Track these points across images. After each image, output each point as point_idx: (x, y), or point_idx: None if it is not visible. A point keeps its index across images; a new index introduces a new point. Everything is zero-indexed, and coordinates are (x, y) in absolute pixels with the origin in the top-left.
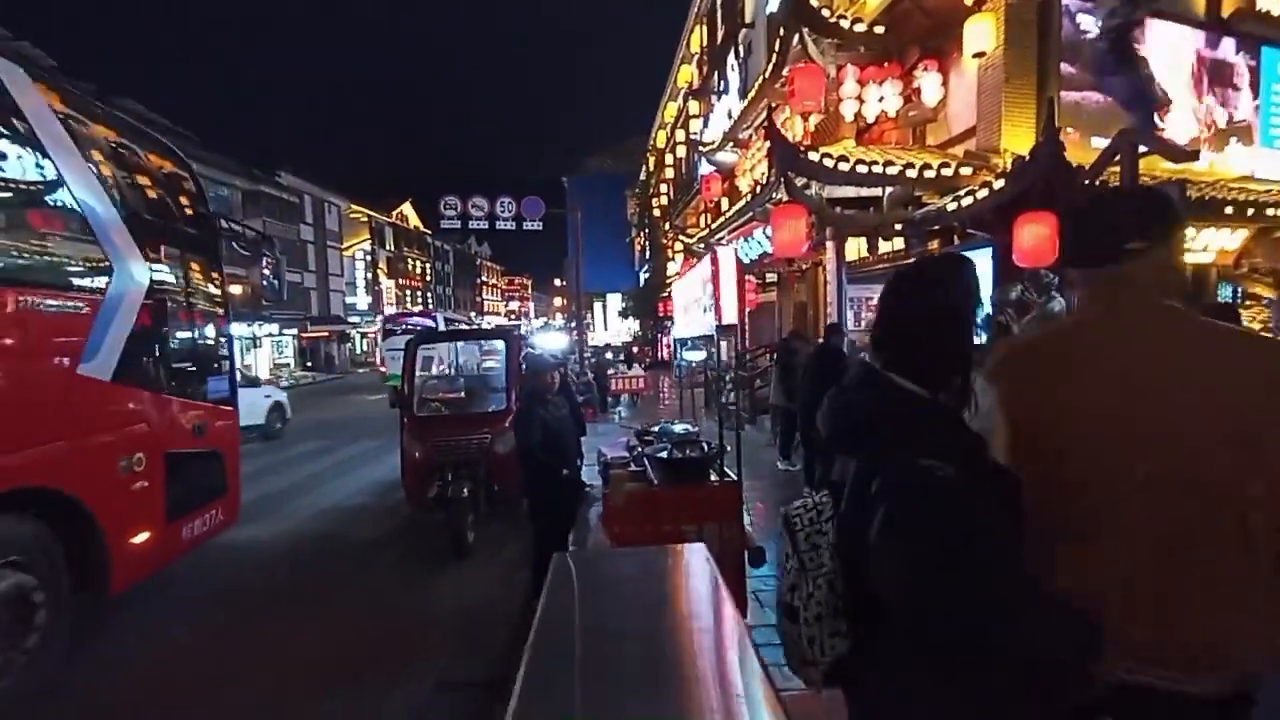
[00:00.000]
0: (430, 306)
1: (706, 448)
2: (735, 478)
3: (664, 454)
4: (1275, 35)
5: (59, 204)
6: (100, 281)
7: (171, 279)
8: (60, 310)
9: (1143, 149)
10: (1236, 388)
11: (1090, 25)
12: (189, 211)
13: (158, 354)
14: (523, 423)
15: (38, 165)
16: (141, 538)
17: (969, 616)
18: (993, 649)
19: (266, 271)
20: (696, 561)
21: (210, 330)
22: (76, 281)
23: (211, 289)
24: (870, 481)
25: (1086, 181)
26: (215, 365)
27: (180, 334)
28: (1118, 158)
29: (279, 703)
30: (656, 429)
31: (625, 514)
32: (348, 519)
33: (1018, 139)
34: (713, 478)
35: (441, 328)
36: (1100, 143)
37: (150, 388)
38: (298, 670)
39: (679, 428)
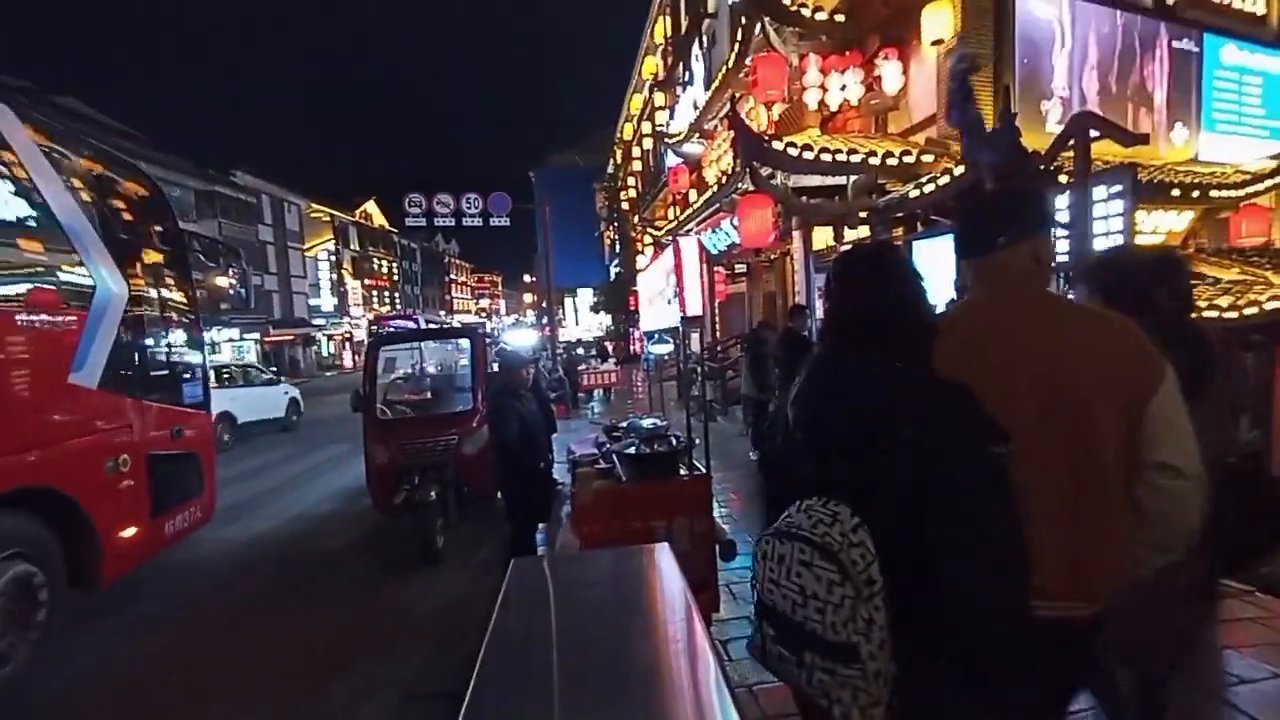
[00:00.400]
0: (398, 306)
1: (675, 441)
2: (705, 471)
3: (632, 450)
4: (1217, 22)
5: (46, 229)
6: (84, 298)
7: (147, 293)
8: (51, 325)
9: (1094, 133)
10: (1101, 355)
11: (1041, 10)
12: (160, 229)
13: (137, 363)
14: (498, 417)
15: (27, 196)
16: (129, 533)
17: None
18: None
19: (234, 280)
20: (660, 562)
21: (184, 339)
22: (64, 299)
23: (183, 301)
24: (921, 473)
25: (1041, 166)
26: (190, 373)
27: (157, 344)
28: (1071, 142)
29: (243, 713)
30: (625, 424)
31: (593, 512)
32: (314, 527)
33: None
34: (682, 472)
35: (422, 327)
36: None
37: (132, 394)
38: (263, 681)
39: (647, 422)
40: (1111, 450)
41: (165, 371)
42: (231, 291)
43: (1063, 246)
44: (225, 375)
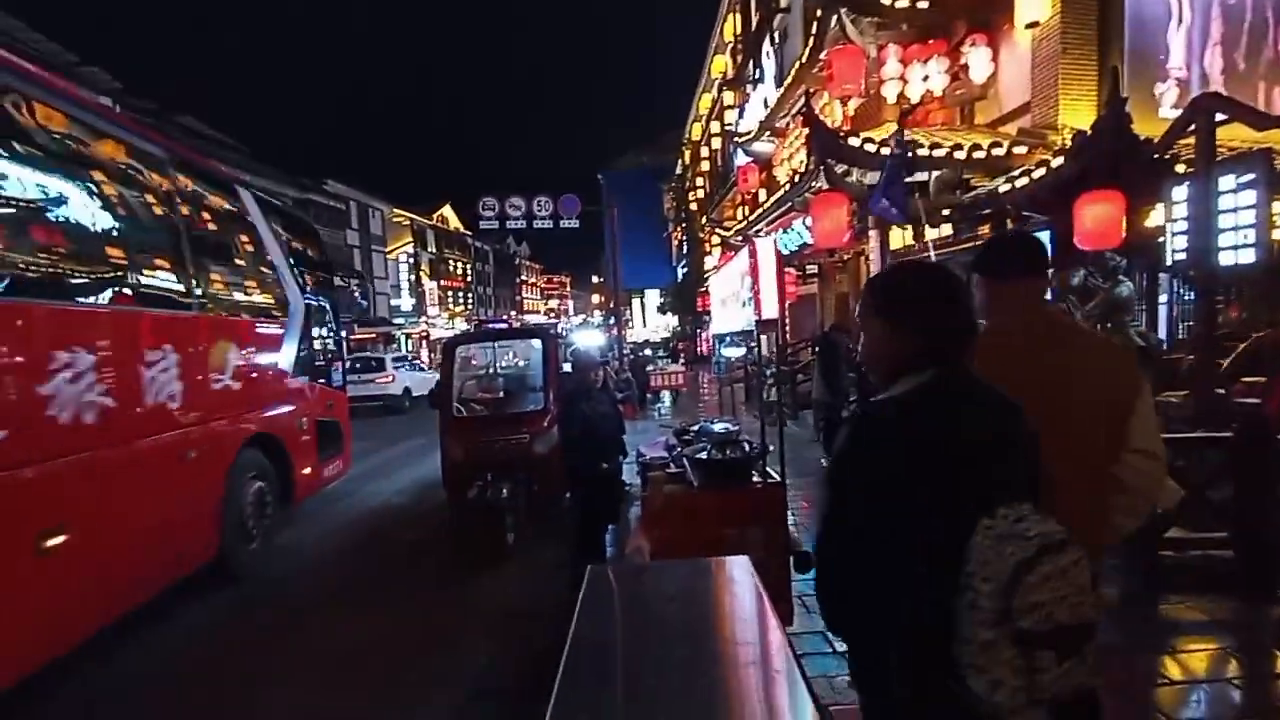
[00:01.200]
0: (471, 307)
1: (748, 447)
2: (779, 479)
3: (703, 455)
4: None
5: (267, 266)
6: (285, 312)
7: (312, 304)
8: (272, 331)
9: (1220, 117)
10: (1102, 373)
11: None
12: (317, 259)
13: (308, 355)
14: (565, 418)
15: (257, 247)
16: (307, 470)
17: None
18: None
19: (356, 293)
20: (739, 575)
21: (331, 338)
22: (277, 313)
23: (330, 309)
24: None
25: (1156, 156)
26: (334, 363)
27: (317, 341)
28: (1192, 127)
29: (313, 703)
30: (696, 428)
31: (664, 517)
32: (390, 520)
33: (1077, 114)
34: (755, 479)
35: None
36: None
37: (306, 377)
38: (334, 671)
39: (719, 426)
40: (1105, 441)
41: (322, 362)
42: (355, 301)
43: (1181, 244)
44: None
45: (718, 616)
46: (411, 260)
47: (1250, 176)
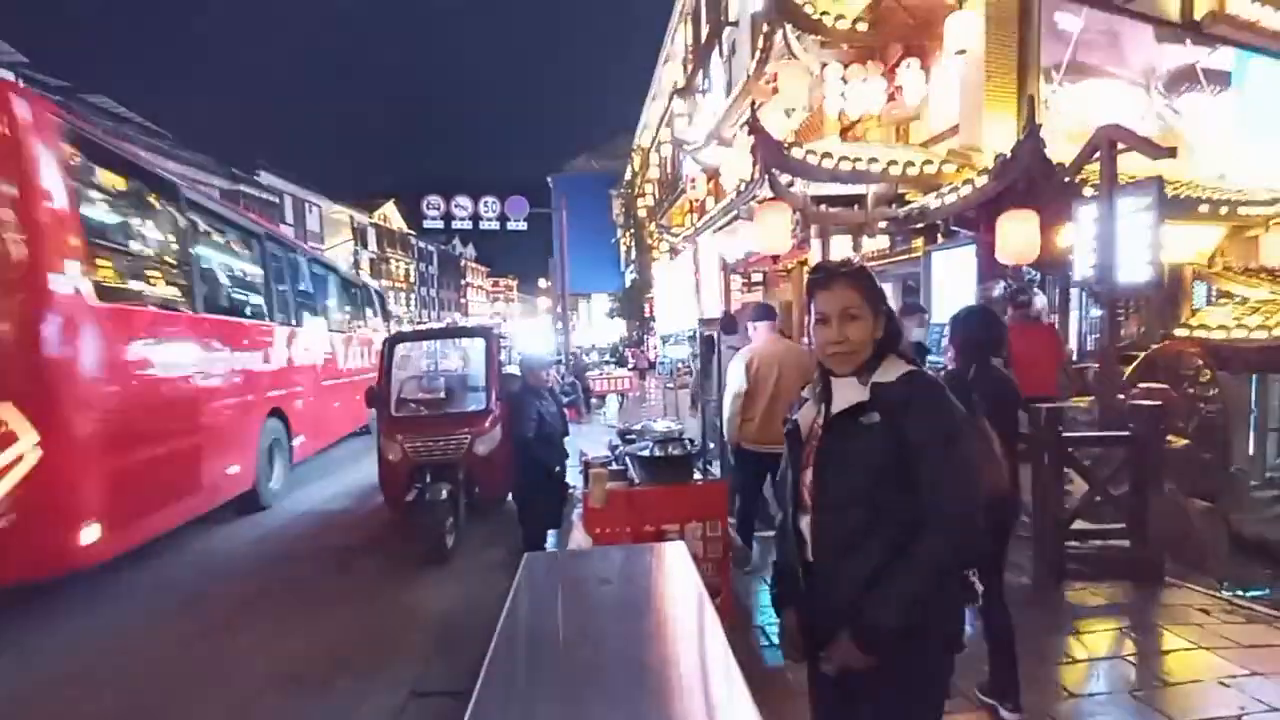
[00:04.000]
0: (414, 308)
1: (689, 446)
2: (719, 476)
3: (645, 452)
4: (1245, 39)
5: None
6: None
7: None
8: (369, 347)
9: (1121, 146)
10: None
11: (1068, 24)
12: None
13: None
14: (519, 415)
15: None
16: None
17: None
18: None
19: (379, 307)
20: (674, 560)
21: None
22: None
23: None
24: None
25: (1067, 179)
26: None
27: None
28: (1097, 155)
29: (247, 709)
30: (639, 427)
31: (605, 514)
32: (324, 523)
33: (999, 136)
34: (696, 476)
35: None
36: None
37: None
38: (267, 677)
39: (661, 425)
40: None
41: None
42: (378, 316)
43: (1088, 260)
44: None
45: (651, 596)
46: (352, 259)
47: (1146, 201)
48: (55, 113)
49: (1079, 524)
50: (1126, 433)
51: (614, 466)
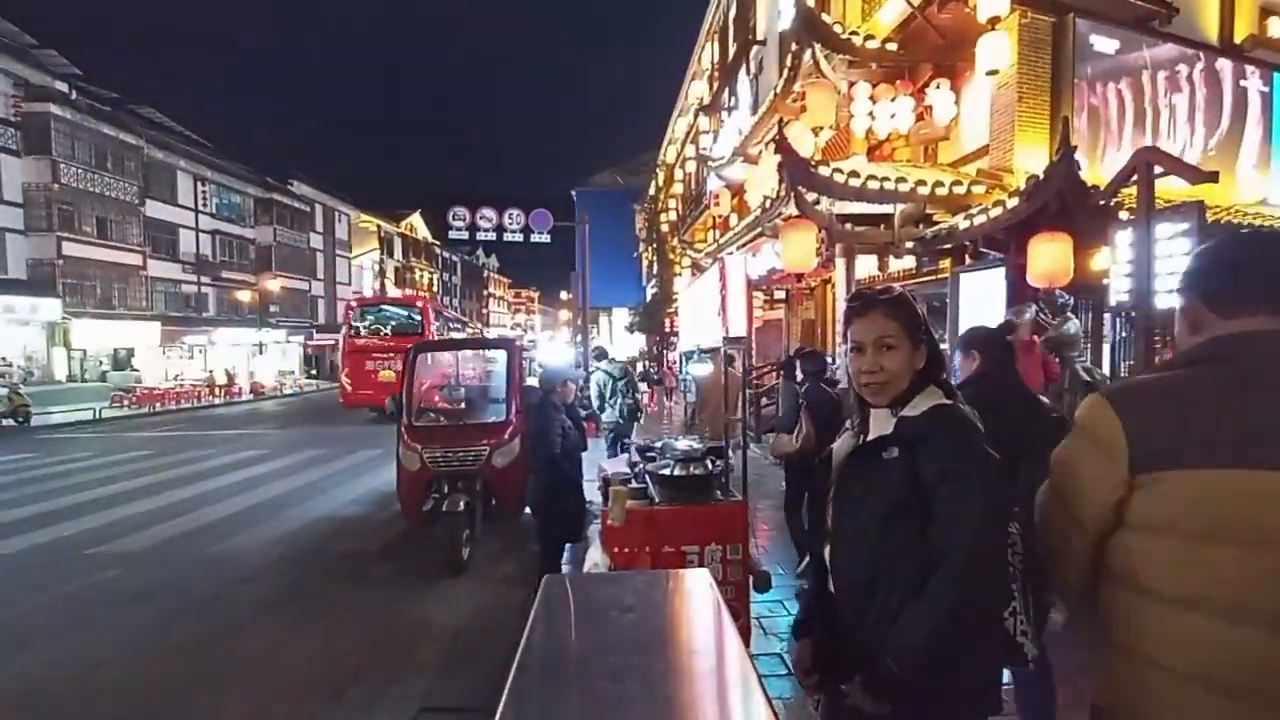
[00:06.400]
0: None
1: (711, 465)
2: (740, 498)
3: (665, 471)
4: None
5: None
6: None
7: None
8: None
9: (1159, 170)
10: None
11: (1102, 45)
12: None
13: None
14: (541, 426)
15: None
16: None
17: None
18: None
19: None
20: (699, 587)
21: None
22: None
23: None
24: None
25: (1102, 202)
26: None
27: None
28: (1134, 178)
29: (252, 714)
30: (659, 445)
31: (624, 533)
32: (341, 530)
33: (1031, 158)
34: (717, 497)
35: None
36: (1115, 157)
37: None
38: (278, 685)
39: (683, 444)
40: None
41: None
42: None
43: (1124, 285)
44: None
45: (675, 627)
46: (377, 267)
47: (1185, 226)
48: (433, 304)
49: None
50: None
51: (634, 484)
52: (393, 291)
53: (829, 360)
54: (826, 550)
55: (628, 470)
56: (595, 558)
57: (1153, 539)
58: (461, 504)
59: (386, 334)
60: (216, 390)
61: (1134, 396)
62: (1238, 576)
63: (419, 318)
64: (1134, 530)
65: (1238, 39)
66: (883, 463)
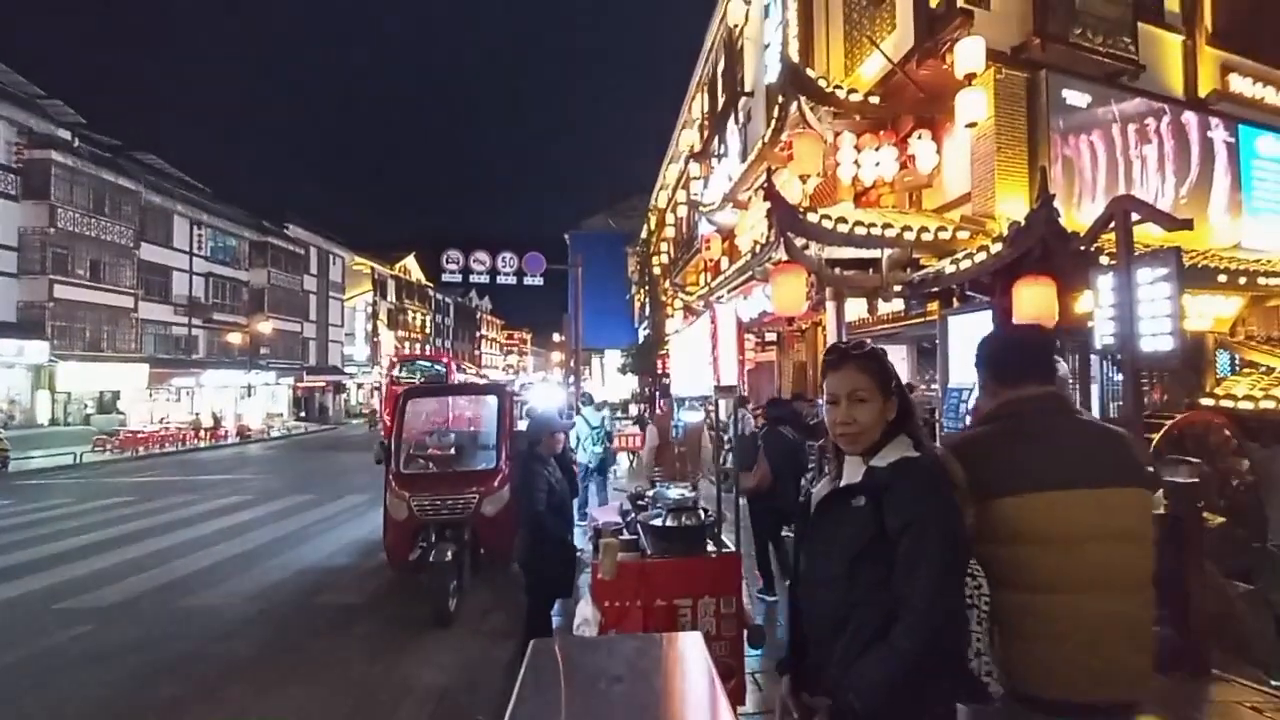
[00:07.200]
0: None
1: (704, 514)
2: (734, 549)
3: (658, 521)
4: (1249, 115)
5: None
6: None
7: None
8: None
9: (1136, 217)
10: None
11: (1074, 99)
12: None
13: None
14: (526, 483)
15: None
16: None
17: None
18: None
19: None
20: (690, 653)
21: None
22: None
23: None
24: None
25: (1083, 248)
26: None
27: None
28: (1112, 224)
29: None
30: (651, 493)
31: (615, 586)
32: (324, 581)
33: (1012, 205)
34: (710, 548)
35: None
36: (1090, 206)
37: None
38: None
39: (675, 492)
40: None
41: None
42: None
43: (1107, 328)
44: None
45: (665, 699)
46: (370, 309)
47: (1164, 271)
48: (448, 360)
49: None
50: (1162, 512)
51: (625, 535)
52: (385, 334)
53: (799, 407)
54: (799, 590)
55: (619, 519)
56: (585, 614)
57: (992, 547)
58: (449, 554)
59: (420, 383)
60: (202, 433)
61: (963, 448)
62: (1040, 564)
63: (442, 368)
64: (982, 542)
65: (1202, 93)
66: (851, 510)
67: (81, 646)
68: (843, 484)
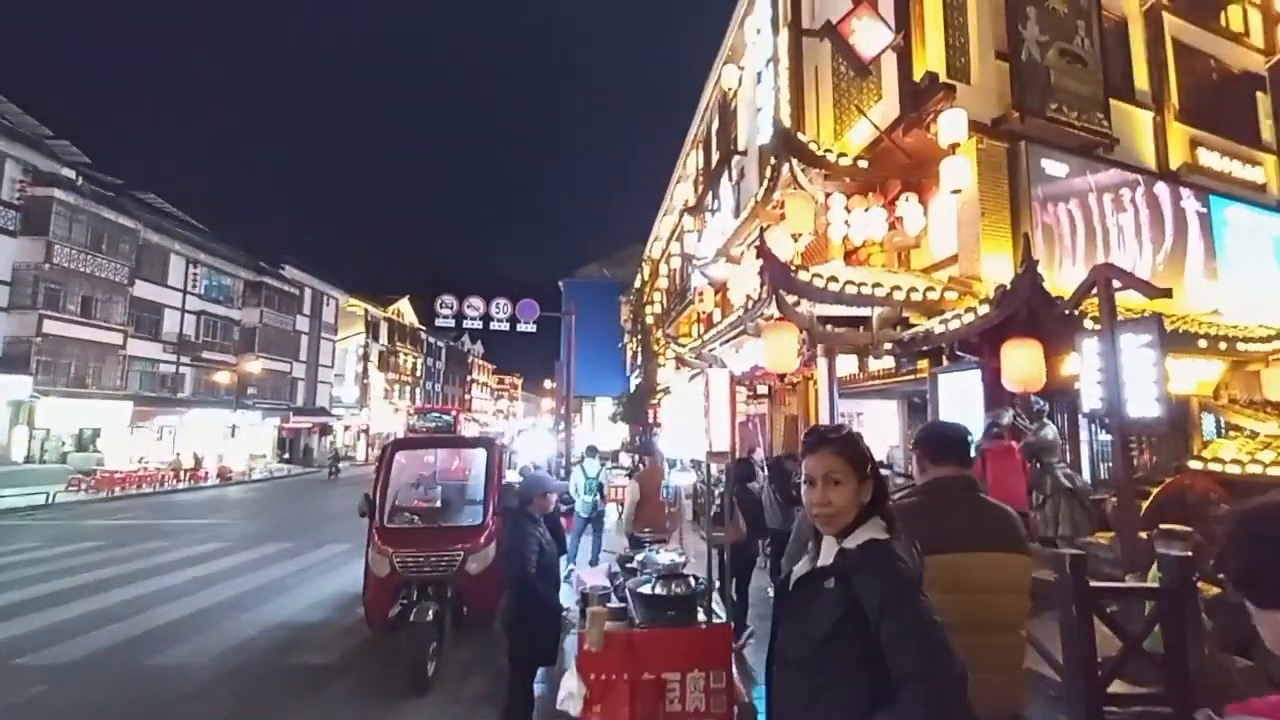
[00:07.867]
0: (418, 402)
1: (694, 582)
2: (725, 619)
3: (646, 589)
4: (1219, 188)
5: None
6: None
7: None
8: None
9: (1117, 284)
10: None
11: (1053, 169)
12: None
13: None
14: (519, 543)
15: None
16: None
17: None
18: None
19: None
20: None
21: None
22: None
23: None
24: None
25: (1067, 311)
26: None
27: None
28: (1094, 290)
29: None
30: (640, 557)
31: (602, 658)
32: (299, 639)
33: (997, 267)
34: (700, 617)
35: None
36: (1071, 270)
37: None
38: None
39: (664, 557)
40: None
41: None
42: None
43: (1095, 391)
44: None
45: None
46: (361, 350)
47: (1147, 338)
48: (456, 411)
49: (1118, 685)
50: (1156, 584)
51: (613, 602)
52: (375, 376)
53: (788, 466)
54: (773, 669)
55: (607, 584)
56: (570, 687)
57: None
58: (430, 613)
59: (432, 429)
60: (181, 474)
61: (905, 514)
62: (955, 608)
63: (450, 419)
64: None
65: (1173, 166)
66: (823, 591)
67: (37, 707)
68: (818, 565)
